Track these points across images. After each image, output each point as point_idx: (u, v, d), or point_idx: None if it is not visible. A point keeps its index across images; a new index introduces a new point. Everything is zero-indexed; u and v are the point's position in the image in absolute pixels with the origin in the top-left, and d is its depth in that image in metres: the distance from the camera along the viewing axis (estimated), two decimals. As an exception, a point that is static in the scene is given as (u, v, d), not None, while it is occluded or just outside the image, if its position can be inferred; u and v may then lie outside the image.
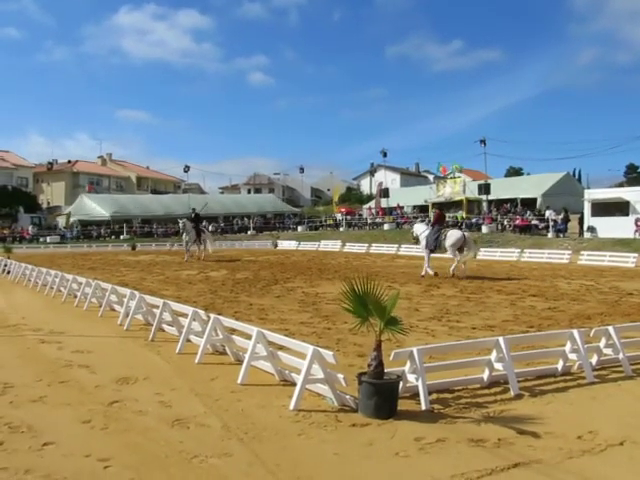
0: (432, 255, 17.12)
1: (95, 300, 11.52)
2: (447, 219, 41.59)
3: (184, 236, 24.98)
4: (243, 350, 6.42)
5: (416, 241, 17.98)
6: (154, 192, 70.85)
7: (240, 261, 25.25)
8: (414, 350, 5.24)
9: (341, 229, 47.69)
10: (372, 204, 53.83)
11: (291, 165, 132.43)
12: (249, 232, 51.43)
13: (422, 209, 49.15)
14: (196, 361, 6.77)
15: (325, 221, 52.88)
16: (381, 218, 47.93)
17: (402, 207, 50.63)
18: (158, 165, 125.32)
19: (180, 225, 25.24)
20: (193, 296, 12.83)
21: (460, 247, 16.10)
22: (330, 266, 22.24)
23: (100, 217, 53.01)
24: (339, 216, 51.64)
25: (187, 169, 57.44)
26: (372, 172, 71.57)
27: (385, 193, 49.90)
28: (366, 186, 76.62)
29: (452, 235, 16.31)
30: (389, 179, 70.01)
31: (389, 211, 48.76)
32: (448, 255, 16.78)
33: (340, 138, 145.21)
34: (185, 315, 7.79)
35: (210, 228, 52.68)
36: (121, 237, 47.90)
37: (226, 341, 6.95)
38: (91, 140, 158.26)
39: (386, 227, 43.38)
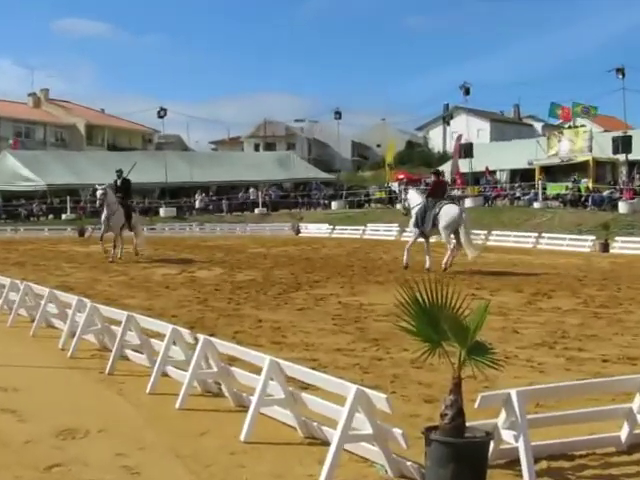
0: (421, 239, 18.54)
1: (25, 312, 11.72)
2: (567, 190, 41.77)
3: (104, 216, 22.52)
4: (248, 390, 6.47)
5: (407, 213, 19.51)
6: (112, 148, 71.52)
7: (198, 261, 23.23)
8: (512, 393, 5.21)
9: (398, 206, 47.54)
10: (447, 167, 53.50)
11: (322, 108, 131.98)
12: (257, 210, 51.62)
13: (524, 175, 48.62)
14: (177, 406, 6.84)
15: (374, 194, 52.81)
16: (461, 189, 47.60)
17: (494, 172, 50.20)
18: (119, 107, 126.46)
19: (98, 195, 22.82)
20: (172, 307, 12.98)
21: (456, 230, 17.27)
22: (381, 263, 22.28)
23: (32, 186, 53.71)
24: (396, 186, 51.48)
25: (163, 113, 57.94)
26: (447, 118, 71.10)
27: (467, 151, 49.51)
28: (437, 140, 76.21)
29: (447, 212, 17.38)
30: (474, 129, 69.58)
31: (473, 178, 48.39)
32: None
33: (398, 66, 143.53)
34: (161, 336, 7.87)
35: (197, 204, 53.28)
36: (63, 217, 48.67)
37: (223, 376, 7.00)
38: (18, 68, 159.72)
39: (468, 203, 42.88)
